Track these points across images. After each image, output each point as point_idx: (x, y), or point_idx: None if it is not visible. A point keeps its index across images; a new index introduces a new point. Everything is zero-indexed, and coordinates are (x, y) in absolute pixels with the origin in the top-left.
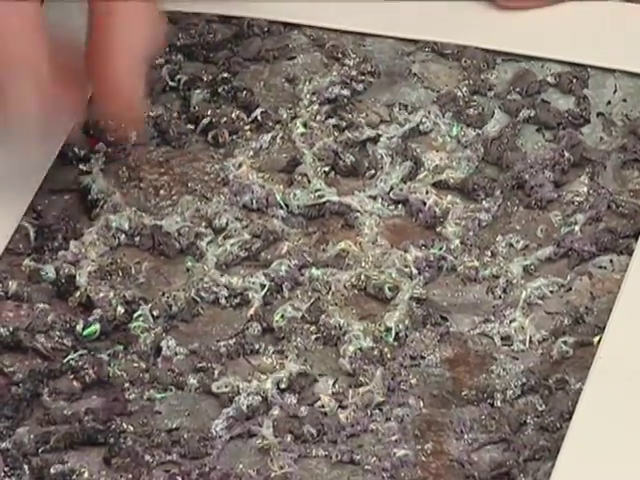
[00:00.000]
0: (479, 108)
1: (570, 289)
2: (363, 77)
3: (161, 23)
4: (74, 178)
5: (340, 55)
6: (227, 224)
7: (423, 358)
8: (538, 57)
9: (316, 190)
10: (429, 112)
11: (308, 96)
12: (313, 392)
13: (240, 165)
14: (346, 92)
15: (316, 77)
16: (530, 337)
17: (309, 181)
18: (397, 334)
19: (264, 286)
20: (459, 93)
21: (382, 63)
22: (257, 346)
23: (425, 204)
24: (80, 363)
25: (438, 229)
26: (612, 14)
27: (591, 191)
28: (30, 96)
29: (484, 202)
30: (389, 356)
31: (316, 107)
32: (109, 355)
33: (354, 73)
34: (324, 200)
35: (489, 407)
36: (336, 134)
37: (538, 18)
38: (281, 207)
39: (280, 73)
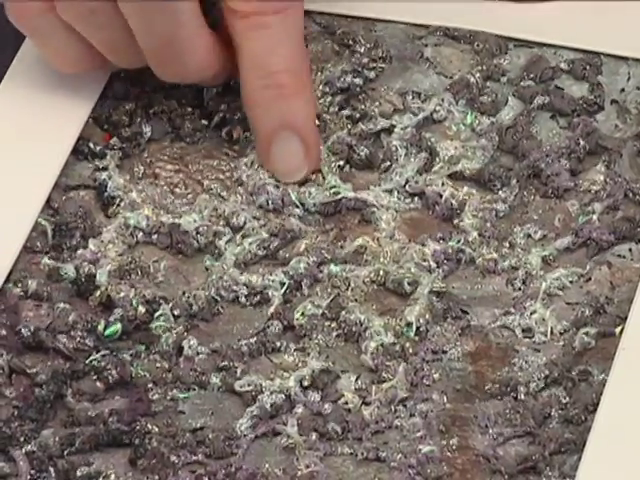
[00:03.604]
0: (493, 95)
1: (590, 279)
2: (374, 64)
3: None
4: (90, 174)
5: (351, 42)
6: (245, 223)
7: (445, 352)
8: (550, 44)
9: (331, 187)
10: (442, 100)
11: (320, 87)
12: (336, 389)
13: (253, 163)
14: (358, 80)
15: (328, 66)
16: (551, 328)
17: (324, 177)
18: (418, 329)
19: (283, 284)
20: (472, 79)
21: (393, 47)
22: (278, 344)
23: (441, 196)
24: (103, 364)
25: (455, 221)
26: (623, 2)
27: (608, 179)
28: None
29: (500, 192)
30: (411, 351)
31: (329, 98)
32: (131, 355)
33: (365, 60)
34: (340, 197)
35: (513, 400)
36: (349, 126)
37: (550, 5)
38: (297, 206)
39: None
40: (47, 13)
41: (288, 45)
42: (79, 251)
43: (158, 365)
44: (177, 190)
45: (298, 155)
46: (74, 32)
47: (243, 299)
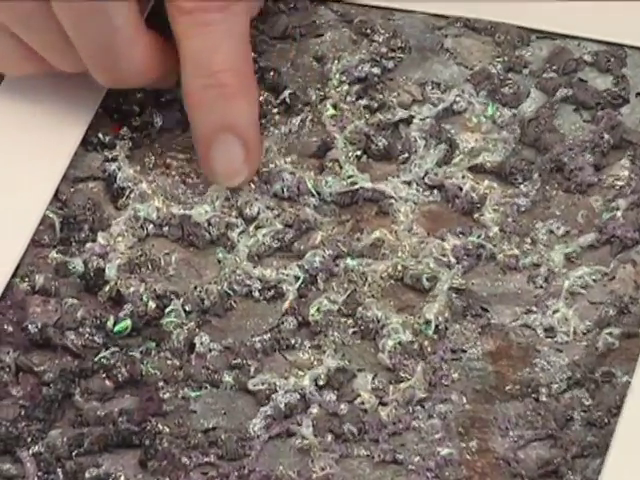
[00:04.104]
0: (514, 86)
1: (613, 278)
2: (393, 53)
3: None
4: (99, 165)
5: (369, 31)
6: (258, 213)
7: (464, 351)
8: (574, 36)
9: (348, 176)
10: (463, 91)
11: (337, 75)
12: (352, 388)
13: (269, 151)
14: (376, 70)
15: (345, 55)
16: (574, 328)
17: (341, 167)
18: (437, 327)
19: (298, 278)
20: (493, 70)
21: (412, 38)
22: (293, 341)
23: (461, 189)
24: (112, 361)
25: (476, 215)
26: None
27: (632, 175)
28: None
29: (522, 186)
30: (429, 350)
31: (346, 87)
32: (141, 352)
33: (384, 50)
34: (357, 187)
35: (534, 402)
36: (367, 116)
37: None
38: (313, 195)
39: (308, 51)
40: None
41: (231, 44)
42: (88, 244)
43: (169, 363)
44: (189, 180)
45: (238, 158)
46: (13, 35)
47: (257, 294)
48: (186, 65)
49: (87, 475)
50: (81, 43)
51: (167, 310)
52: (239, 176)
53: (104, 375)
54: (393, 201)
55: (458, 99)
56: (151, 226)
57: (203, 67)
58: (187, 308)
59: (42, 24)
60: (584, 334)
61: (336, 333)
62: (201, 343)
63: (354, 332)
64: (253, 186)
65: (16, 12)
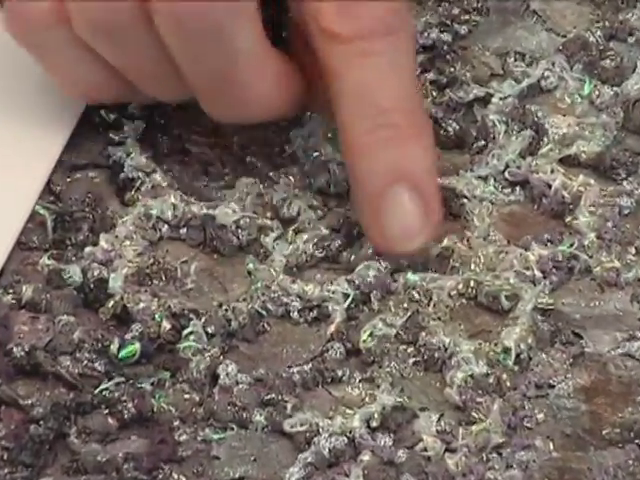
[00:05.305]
0: (617, 59)
1: None
2: (467, 16)
3: None
4: (102, 149)
5: None
6: (298, 214)
7: (552, 387)
8: None
9: None
10: (553, 63)
11: None
12: (413, 431)
13: (311, 135)
14: (446, 37)
15: None
16: None
17: None
18: (518, 356)
19: (347, 296)
20: (591, 38)
21: None
22: (340, 373)
23: (550, 187)
24: (116, 394)
25: (567, 219)
26: None
27: None
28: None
29: (625, 183)
30: (508, 384)
31: None
32: (152, 384)
33: (456, 11)
34: None
35: (637, 449)
36: (435, 94)
37: None
38: None
39: None
40: (58, 25)
41: (401, 76)
42: (87, 249)
43: (186, 397)
44: (212, 170)
45: (416, 215)
46: (93, 53)
47: (295, 314)
48: (346, 104)
49: None
50: (192, 70)
51: (185, 332)
52: (419, 237)
53: (106, 411)
54: (465, 201)
55: (547, 74)
56: (165, 227)
57: (369, 105)
58: (209, 330)
59: (140, 43)
60: None
61: (393, 363)
62: (226, 374)
63: (415, 362)
64: (292, 179)
65: (106, 27)
